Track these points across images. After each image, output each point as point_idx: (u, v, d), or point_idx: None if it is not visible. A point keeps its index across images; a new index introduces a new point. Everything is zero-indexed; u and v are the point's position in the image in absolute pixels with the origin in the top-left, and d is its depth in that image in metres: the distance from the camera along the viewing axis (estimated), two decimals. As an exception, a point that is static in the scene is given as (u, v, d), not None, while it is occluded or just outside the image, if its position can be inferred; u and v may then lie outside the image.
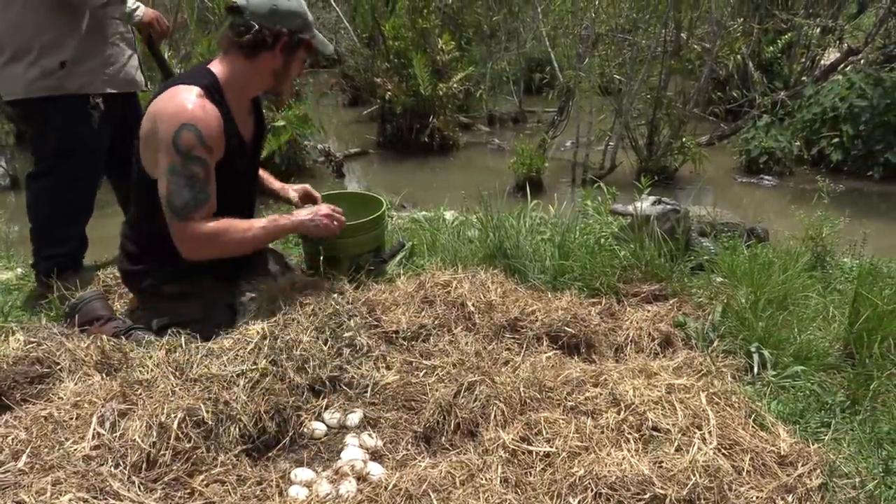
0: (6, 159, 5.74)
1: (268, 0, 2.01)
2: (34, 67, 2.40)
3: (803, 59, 7.33)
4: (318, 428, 1.81)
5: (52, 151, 2.52)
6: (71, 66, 2.43)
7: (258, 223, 2.10)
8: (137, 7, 2.56)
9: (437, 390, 1.87)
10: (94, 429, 1.53)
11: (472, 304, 2.24)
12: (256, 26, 1.99)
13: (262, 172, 2.50)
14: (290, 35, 2.04)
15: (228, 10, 2.03)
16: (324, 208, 2.23)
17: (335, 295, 2.15)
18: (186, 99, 1.91)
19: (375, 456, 1.71)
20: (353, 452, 1.69)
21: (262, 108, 2.37)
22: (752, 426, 1.71)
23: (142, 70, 2.75)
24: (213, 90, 1.99)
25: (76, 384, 1.75)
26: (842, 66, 6.91)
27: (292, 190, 2.50)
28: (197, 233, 1.96)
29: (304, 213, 2.20)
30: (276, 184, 2.54)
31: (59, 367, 1.84)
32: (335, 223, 2.23)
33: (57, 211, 2.61)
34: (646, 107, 5.95)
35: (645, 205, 2.85)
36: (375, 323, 2.16)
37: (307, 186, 2.51)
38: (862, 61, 6.75)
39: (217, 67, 2.06)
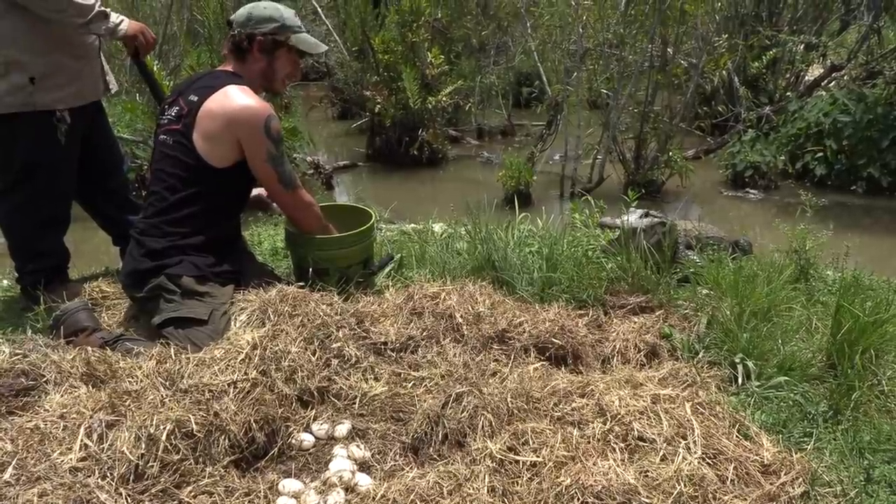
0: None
1: (246, 9, 2.35)
2: (3, 83, 2.35)
3: (788, 75, 7.45)
4: (307, 439, 1.81)
5: (19, 167, 2.47)
6: (40, 81, 2.39)
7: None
8: (122, 21, 2.54)
9: (425, 401, 1.88)
10: (82, 440, 1.53)
11: (461, 316, 2.26)
12: (236, 33, 2.33)
13: None
14: (264, 37, 2.31)
15: (227, 23, 2.42)
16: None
17: (324, 306, 2.15)
18: (252, 96, 2.26)
19: (364, 467, 1.72)
20: (341, 463, 1.70)
21: None
22: (736, 436, 1.74)
23: (107, 77, 2.73)
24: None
25: (62, 396, 1.74)
26: (825, 81, 7.03)
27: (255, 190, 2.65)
28: (307, 198, 2.41)
29: None
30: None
31: (44, 379, 1.83)
32: None
33: (34, 226, 2.57)
34: (633, 121, 6.02)
35: (632, 218, 2.88)
36: (364, 334, 2.17)
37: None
38: (845, 77, 6.87)
39: (235, 69, 2.37)
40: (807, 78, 7.44)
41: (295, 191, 2.36)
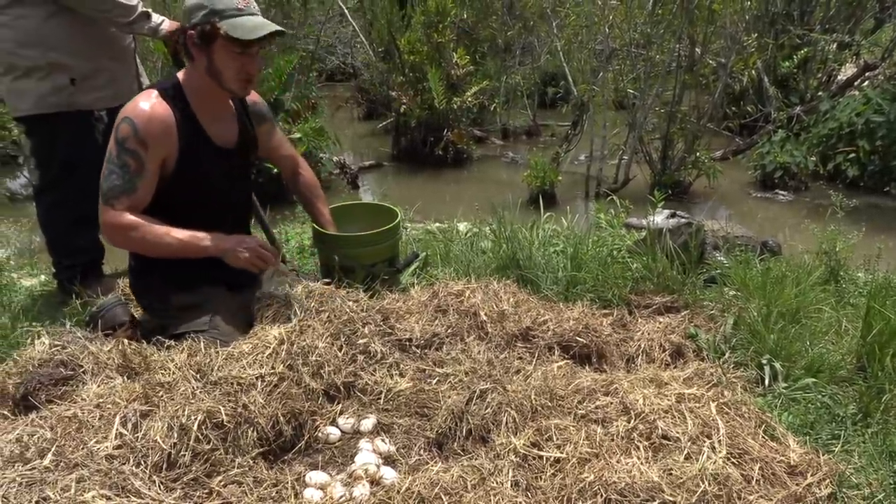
0: (29, 169, 5.85)
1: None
2: (44, 83, 2.45)
3: (820, 75, 7.32)
4: (333, 433, 1.84)
5: (57, 166, 2.57)
6: (81, 82, 2.49)
7: (178, 233, 2.02)
8: (162, 21, 2.63)
9: (449, 397, 1.90)
10: (117, 429, 1.57)
11: (485, 314, 2.27)
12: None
13: (323, 213, 2.54)
14: (194, 30, 1.97)
15: None
16: (250, 240, 2.11)
17: (350, 303, 2.18)
18: (139, 98, 2.01)
19: (388, 461, 1.74)
20: (366, 457, 1.73)
21: (254, 117, 2.32)
22: (762, 436, 1.73)
23: (141, 78, 2.80)
24: (172, 91, 2.04)
25: (99, 386, 1.80)
26: (858, 81, 6.89)
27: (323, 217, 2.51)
28: (113, 220, 2.00)
29: (231, 242, 2.07)
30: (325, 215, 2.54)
31: (82, 369, 1.89)
32: (258, 259, 2.08)
33: (70, 223, 2.66)
34: (660, 121, 5.97)
35: (659, 218, 2.87)
36: (389, 331, 2.19)
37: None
38: (879, 77, 6.72)
39: (181, 76, 2.11)
40: (839, 77, 7.30)
41: (104, 207, 2.01)
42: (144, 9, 2.55)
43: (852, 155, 5.78)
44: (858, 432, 1.89)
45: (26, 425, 1.62)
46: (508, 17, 7.85)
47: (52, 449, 1.52)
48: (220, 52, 1.98)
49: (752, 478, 1.56)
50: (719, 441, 1.64)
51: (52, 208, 2.65)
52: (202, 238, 2.03)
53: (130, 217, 1.99)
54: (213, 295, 2.16)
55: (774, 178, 5.90)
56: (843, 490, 1.61)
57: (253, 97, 2.31)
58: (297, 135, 5.34)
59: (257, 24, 1.97)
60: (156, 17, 2.60)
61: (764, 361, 2.16)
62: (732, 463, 1.59)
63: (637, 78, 5.88)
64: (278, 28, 2.00)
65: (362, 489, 1.59)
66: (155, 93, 2.01)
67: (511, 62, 7.93)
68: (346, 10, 8.43)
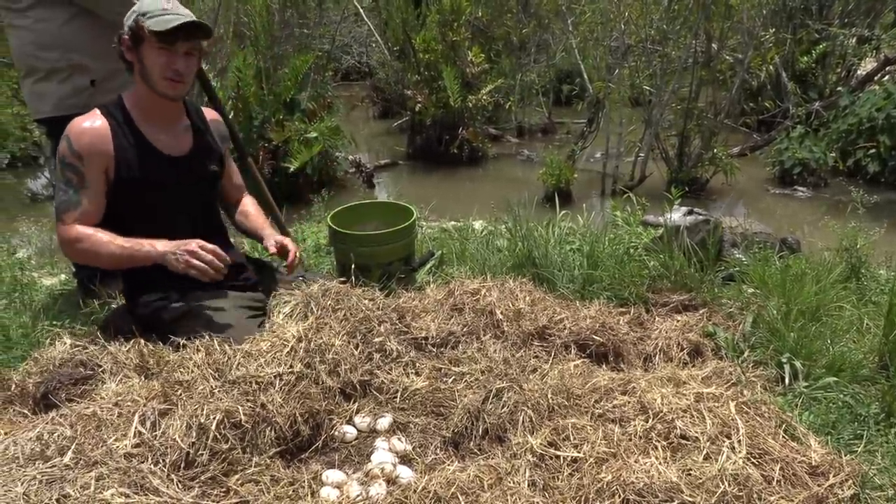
0: (49, 170, 5.94)
1: None
2: (65, 85, 2.48)
3: (839, 69, 7.22)
4: (349, 431, 1.85)
5: None
6: (100, 84, 2.52)
7: (120, 241, 2.00)
8: (178, 23, 2.64)
9: (465, 396, 1.90)
10: (136, 427, 1.59)
11: (501, 312, 2.26)
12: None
13: (254, 212, 2.42)
14: (126, 35, 2.02)
15: None
16: (192, 244, 1.98)
17: (366, 301, 2.18)
18: (80, 117, 2.05)
19: (405, 460, 1.75)
20: (382, 456, 1.73)
21: (219, 136, 2.32)
22: (783, 436, 1.70)
23: None
24: (112, 107, 2.09)
25: (118, 385, 1.82)
26: (879, 75, 6.78)
27: (272, 239, 2.28)
28: (62, 234, 2.03)
29: (169, 246, 1.99)
30: (265, 229, 2.37)
31: (101, 368, 1.91)
32: (199, 262, 1.94)
33: None
34: (676, 118, 5.92)
35: (676, 216, 2.85)
36: (405, 329, 2.19)
37: (285, 239, 2.29)
38: (900, 71, 6.62)
39: (128, 91, 2.15)
40: (859, 72, 7.19)
41: (57, 224, 2.04)
42: None
43: (873, 150, 5.69)
44: (881, 432, 1.86)
45: (46, 423, 1.63)
46: (523, 14, 7.82)
47: (72, 447, 1.53)
48: (147, 52, 2.02)
49: (773, 478, 1.54)
50: (739, 441, 1.62)
51: None
52: (144, 244, 2.01)
53: (78, 229, 2.01)
54: (202, 300, 2.11)
55: (793, 175, 5.83)
56: (867, 491, 1.59)
57: (211, 115, 2.34)
58: (313, 134, 5.36)
59: (175, 16, 2.00)
60: None
61: (784, 360, 2.13)
62: (752, 463, 1.57)
63: (653, 74, 5.83)
64: (195, 19, 2.01)
65: (379, 488, 1.59)
66: (96, 109, 2.08)
67: (526, 60, 7.90)
68: (361, 10, 8.44)
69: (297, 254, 2.27)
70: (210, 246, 1.97)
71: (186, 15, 2.02)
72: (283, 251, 2.25)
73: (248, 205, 2.46)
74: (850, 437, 1.84)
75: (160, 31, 1.97)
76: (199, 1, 6.49)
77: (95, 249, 2.00)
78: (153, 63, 2.03)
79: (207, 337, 1.92)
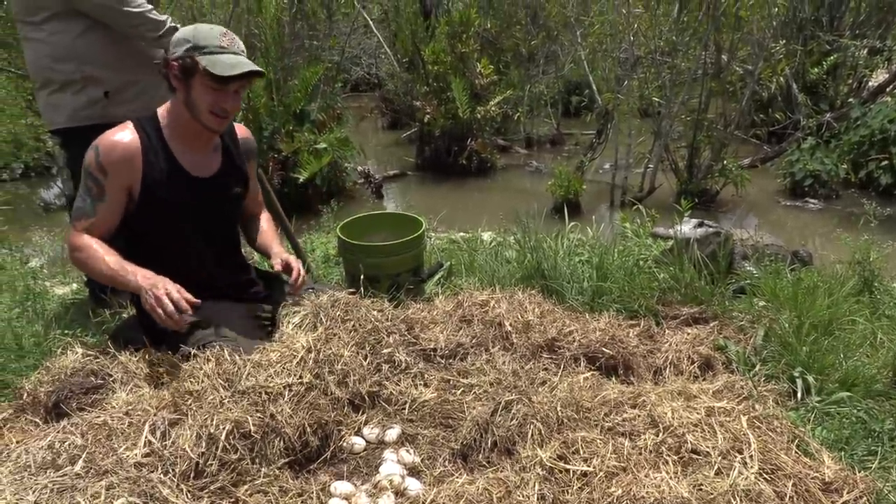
0: (62, 180, 6.00)
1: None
2: (79, 97, 2.50)
3: (850, 81, 7.20)
4: (358, 443, 1.84)
5: None
6: (114, 95, 2.54)
7: (111, 261, 1.96)
8: (191, 36, 2.67)
9: (474, 408, 1.89)
10: (146, 437, 1.59)
11: (510, 324, 2.26)
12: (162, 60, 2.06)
13: (266, 229, 2.40)
14: (176, 63, 1.99)
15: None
16: (161, 288, 1.88)
17: (375, 312, 2.18)
18: (113, 129, 2.03)
19: (413, 471, 1.74)
20: (391, 467, 1.72)
21: (246, 153, 2.29)
22: (796, 452, 1.69)
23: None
24: (145, 122, 2.07)
25: (128, 394, 1.83)
26: (890, 87, 6.76)
27: (278, 258, 2.25)
28: (69, 239, 2.04)
29: (149, 281, 1.91)
30: (273, 247, 2.34)
31: (112, 378, 1.92)
32: (161, 309, 1.85)
33: None
34: (686, 129, 5.92)
35: (687, 228, 2.84)
36: (414, 340, 2.19)
37: (290, 258, 2.23)
38: (912, 83, 6.59)
39: (163, 107, 2.12)
40: (870, 84, 7.17)
41: (69, 228, 2.05)
42: (173, 24, 2.61)
43: (885, 162, 5.66)
44: (896, 448, 1.84)
45: (58, 432, 1.64)
46: (532, 26, 7.86)
47: (83, 456, 1.54)
48: (197, 86, 1.99)
49: (786, 494, 1.53)
50: (751, 456, 1.60)
51: None
52: (128, 271, 1.95)
53: (83, 238, 2.00)
54: (212, 311, 2.07)
55: (804, 187, 5.80)
56: (881, 508, 1.57)
57: (243, 132, 2.32)
58: (323, 144, 5.39)
59: (235, 63, 1.98)
60: None
61: (796, 374, 2.11)
62: (764, 479, 1.56)
63: (662, 86, 5.84)
64: (256, 68, 2.00)
65: (387, 500, 1.59)
66: (130, 123, 2.05)
67: (535, 71, 7.93)
68: (370, 22, 8.51)
69: (302, 272, 2.21)
70: (176, 295, 1.87)
71: (243, 56, 2.01)
72: (287, 269, 2.21)
73: (263, 220, 2.44)
74: (864, 453, 1.82)
75: (221, 76, 1.94)
76: (210, 14, 6.58)
77: (90, 261, 1.99)
78: (202, 99, 2.01)
79: (218, 347, 1.92)
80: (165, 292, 1.88)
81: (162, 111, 2.11)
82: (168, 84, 2.04)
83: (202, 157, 2.15)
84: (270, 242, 2.37)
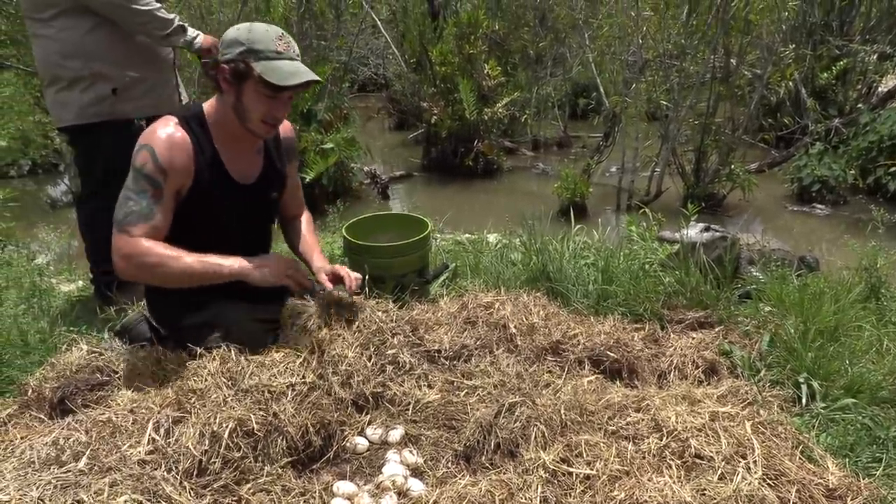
0: (69, 177, 6.04)
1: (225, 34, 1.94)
2: (87, 94, 2.51)
3: (859, 86, 7.16)
4: (361, 443, 1.85)
5: (99, 174, 2.63)
6: (122, 92, 2.56)
7: (193, 256, 1.89)
8: (198, 35, 2.69)
9: (477, 410, 1.89)
10: (150, 434, 1.60)
11: (515, 326, 2.26)
12: (207, 61, 1.99)
13: (309, 238, 2.35)
14: (227, 65, 1.89)
15: None
16: (272, 257, 2.01)
17: (379, 313, 2.18)
18: (159, 126, 1.93)
19: (416, 472, 1.74)
20: (394, 468, 1.72)
21: (287, 152, 2.25)
22: (800, 457, 1.68)
23: (179, 89, 2.85)
24: (192, 120, 1.98)
25: (133, 392, 1.83)
26: (900, 93, 6.73)
27: (322, 273, 2.18)
28: (126, 246, 1.87)
29: (254, 261, 1.95)
30: (315, 259, 2.28)
31: (117, 375, 1.93)
32: (287, 274, 1.95)
33: (111, 230, 2.72)
34: (693, 133, 5.90)
35: (693, 232, 2.83)
36: (418, 342, 2.19)
37: (337, 268, 2.19)
38: (922, 88, 6.56)
39: (207, 105, 2.04)
40: (880, 89, 7.13)
41: (118, 233, 1.90)
42: (181, 22, 2.62)
43: (893, 168, 5.62)
44: (901, 456, 1.83)
45: (62, 429, 1.65)
46: (540, 28, 7.85)
47: (87, 453, 1.55)
48: (249, 93, 1.91)
49: (789, 500, 1.52)
50: (754, 461, 1.60)
51: (92, 215, 2.72)
52: (222, 262, 1.93)
53: (143, 243, 1.88)
54: (224, 311, 2.07)
55: (812, 192, 5.78)
56: (885, 516, 1.56)
57: (287, 130, 2.23)
58: (329, 144, 5.40)
59: (293, 71, 1.89)
60: (191, 31, 2.67)
61: (801, 380, 2.10)
62: (768, 484, 1.55)
63: (670, 89, 5.82)
64: (315, 77, 1.92)
65: (390, 501, 1.59)
66: (174, 120, 1.96)
67: (542, 73, 7.92)
68: (378, 22, 8.51)
69: (353, 276, 2.16)
70: (293, 264, 1.99)
71: (299, 61, 1.92)
72: (338, 280, 2.14)
73: (304, 225, 2.38)
74: (869, 459, 1.81)
75: (281, 85, 1.87)
76: (218, 13, 6.60)
77: (165, 265, 1.86)
78: (254, 106, 1.93)
79: (224, 347, 1.93)
80: (282, 265, 1.97)
81: (208, 109, 2.01)
82: (216, 85, 1.96)
83: (245, 163, 2.10)
84: (312, 252, 2.30)
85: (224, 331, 2.03)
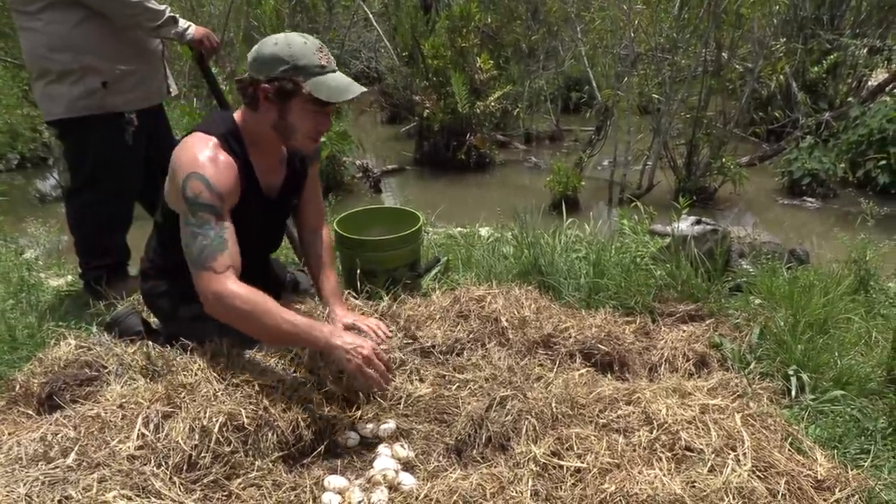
0: (58, 171, 5.99)
1: (256, 47, 1.87)
2: (77, 87, 2.49)
3: (850, 80, 7.19)
4: (352, 437, 1.84)
5: (89, 168, 2.61)
6: (111, 85, 2.53)
7: (292, 317, 1.79)
8: (189, 26, 2.66)
9: (469, 404, 1.89)
10: (139, 429, 1.59)
11: (506, 320, 2.26)
12: (243, 77, 1.88)
13: (333, 283, 2.23)
14: (270, 84, 1.84)
15: None
16: (367, 346, 1.80)
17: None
18: (200, 149, 1.85)
19: (407, 466, 1.74)
20: (385, 462, 1.72)
21: (303, 159, 2.20)
22: (789, 449, 1.69)
23: (168, 80, 2.83)
24: (230, 138, 1.92)
25: (122, 387, 1.82)
26: (890, 86, 6.75)
27: (343, 320, 2.09)
28: (214, 284, 1.77)
29: (346, 339, 1.80)
30: (337, 307, 2.15)
31: (106, 370, 1.92)
32: (371, 371, 1.78)
33: (100, 224, 2.71)
34: (685, 126, 5.91)
35: (684, 225, 2.83)
36: (410, 336, 2.19)
37: (360, 324, 2.10)
38: (912, 82, 6.59)
39: (238, 115, 1.98)
40: (870, 83, 7.16)
41: (201, 272, 1.78)
42: (171, 14, 2.59)
43: (883, 162, 5.66)
44: (889, 447, 1.84)
45: (50, 424, 1.64)
46: (532, 21, 7.84)
47: (76, 448, 1.54)
48: (296, 110, 1.87)
49: (778, 492, 1.53)
50: (744, 453, 1.60)
51: (81, 210, 2.70)
52: (314, 328, 1.80)
53: (236, 285, 1.77)
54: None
55: (802, 185, 5.81)
56: (873, 506, 1.57)
57: None
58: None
59: (344, 86, 1.87)
60: (182, 23, 2.64)
61: (791, 372, 2.11)
62: (758, 476, 1.56)
63: (662, 83, 5.83)
64: (363, 88, 1.91)
65: (381, 495, 1.58)
66: (214, 140, 1.87)
67: (535, 67, 7.91)
68: (370, 15, 8.48)
69: (379, 327, 2.12)
70: (385, 356, 1.82)
71: (350, 81, 1.89)
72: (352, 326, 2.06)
73: (325, 250, 2.28)
74: (857, 451, 1.82)
75: (333, 101, 1.84)
76: (209, 4, 6.55)
77: (259, 316, 1.75)
78: (301, 123, 1.89)
79: (217, 341, 1.92)
80: (374, 352, 1.78)
81: (241, 123, 1.95)
82: (249, 102, 1.90)
83: (273, 174, 2.07)
84: (334, 299, 2.18)
85: (218, 325, 2.01)
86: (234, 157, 1.89)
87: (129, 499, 1.42)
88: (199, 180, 1.79)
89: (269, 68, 1.83)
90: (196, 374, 1.76)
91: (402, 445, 1.79)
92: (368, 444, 1.83)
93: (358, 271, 2.45)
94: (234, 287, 1.77)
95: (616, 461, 1.58)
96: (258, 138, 1.97)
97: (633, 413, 1.77)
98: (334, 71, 1.90)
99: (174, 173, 1.87)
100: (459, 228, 3.78)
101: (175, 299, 2.10)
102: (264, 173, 2.03)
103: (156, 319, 2.39)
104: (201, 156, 1.83)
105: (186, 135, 1.95)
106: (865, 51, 7.06)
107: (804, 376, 2.09)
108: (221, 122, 1.95)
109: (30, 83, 2.80)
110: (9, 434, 1.65)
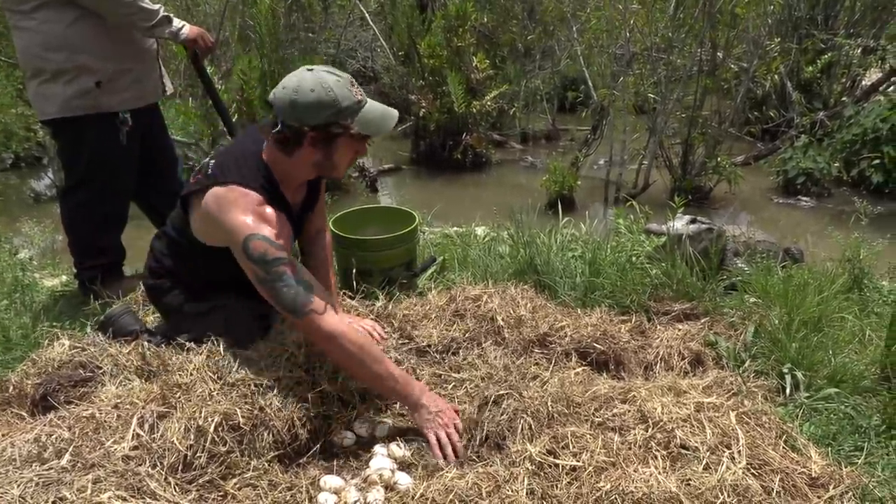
0: (53, 170, 5.97)
1: (288, 94, 1.82)
2: (71, 86, 2.48)
3: (844, 80, 7.21)
4: (348, 437, 1.85)
5: (83, 167, 2.60)
6: (106, 84, 2.52)
7: (393, 367, 1.86)
8: (183, 25, 2.66)
9: (465, 403, 1.89)
10: (134, 430, 1.59)
11: (502, 319, 2.26)
12: (280, 123, 1.85)
13: (331, 290, 2.27)
14: (315, 130, 1.85)
15: (267, 103, 1.92)
16: (449, 412, 1.83)
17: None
18: (246, 210, 1.83)
19: (403, 466, 1.74)
20: (381, 462, 1.72)
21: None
22: (783, 447, 1.69)
23: (164, 80, 2.82)
24: (269, 188, 1.91)
25: (117, 387, 1.82)
26: (884, 86, 6.77)
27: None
28: (323, 325, 1.79)
29: (436, 405, 1.84)
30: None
31: (101, 371, 1.91)
32: (447, 438, 1.79)
33: (95, 224, 2.70)
34: (680, 126, 5.92)
35: (679, 224, 2.84)
36: (406, 336, 2.19)
37: (357, 321, 2.19)
38: (905, 82, 6.61)
39: (267, 155, 1.95)
40: (864, 82, 7.18)
41: (305, 318, 1.80)
42: (166, 13, 2.59)
43: (877, 161, 5.68)
44: (882, 444, 1.85)
45: (44, 425, 1.64)
46: (529, 21, 7.84)
47: (70, 449, 1.54)
48: (342, 148, 1.90)
49: (773, 489, 1.53)
50: (739, 451, 1.61)
51: (76, 209, 2.69)
52: (410, 383, 1.86)
53: (342, 324, 1.83)
54: (226, 302, 2.10)
55: (797, 184, 5.82)
56: (867, 503, 1.58)
57: None
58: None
59: (382, 114, 1.92)
60: (177, 22, 2.64)
61: (785, 370, 2.12)
62: (752, 474, 1.56)
63: (658, 82, 5.83)
64: (395, 112, 1.98)
65: (377, 494, 1.59)
66: (255, 196, 1.86)
67: (531, 66, 7.91)
68: (366, 14, 8.46)
69: (379, 331, 2.20)
70: (461, 426, 1.83)
71: (388, 108, 1.94)
72: None
73: (327, 250, 2.32)
74: (851, 448, 1.83)
75: (376, 134, 1.91)
76: (204, 4, 6.53)
77: (365, 359, 1.81)
78: (344, 157, 1.93)
79: (214, 340, 1.92)
80: (454, 424, 1.81)
81: (271, 164, 1.94)
82: (289, 148, 1.89)
83: (297, 195, 2.09)
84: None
85: (223, 319, 2.04)
86: (276, 206, 1.90)
87: (124, 499, 1.42)
88: (260, 240, 1.80)
89: (313, 116, 1.83)
90: (191, 374, 1.76)
91: (398, 445, 1.80)
92: (364, 444, 1.84)
93: (354, 271, 2.45)
94: (341, 326, 1.82)
95: (611, 459, 1.59)
96: (295, 175, 1.99)
97: (629, 411, 1.77)
98: (367, 101, 1.92)
99: (220, 229, 1.86)
100: (455, 228, 3.77)
101: (183, 297, 2.14)
102: (292, 197, 2.06)
103: (151, 319, 2.39)
104: (252, 218, 1.83)
105: (215, 181, 1.89)
106: (859, 51, 7.08)
107: (798, 374, 2.10)
108: (256, 171, 1.92)
109: (24, 82, 2.79)
110: (2, 435, 1.65)
